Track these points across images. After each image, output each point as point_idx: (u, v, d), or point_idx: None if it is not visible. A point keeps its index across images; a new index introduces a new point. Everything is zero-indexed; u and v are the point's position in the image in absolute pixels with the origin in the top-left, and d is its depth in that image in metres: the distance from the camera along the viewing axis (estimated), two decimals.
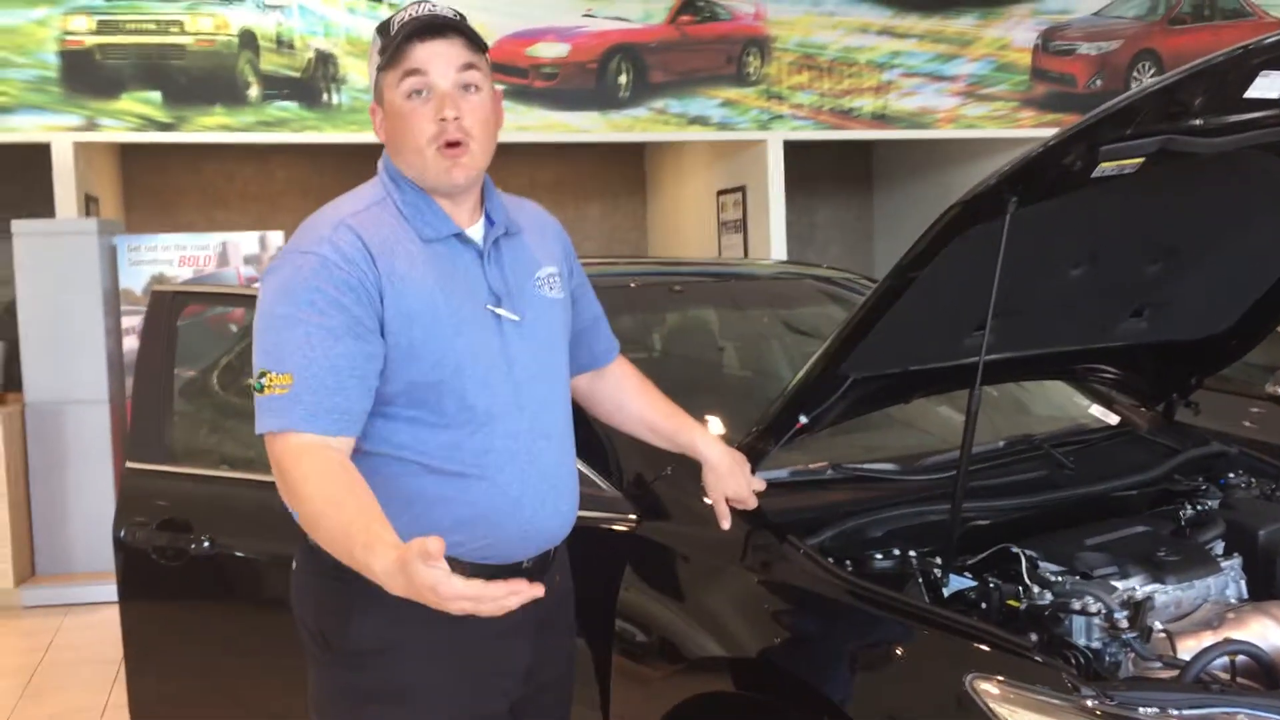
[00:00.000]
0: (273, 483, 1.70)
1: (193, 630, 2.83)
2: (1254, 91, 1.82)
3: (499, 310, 1.76)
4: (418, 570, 1.39)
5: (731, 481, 1.99)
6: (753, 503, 2.01)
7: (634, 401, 2.07)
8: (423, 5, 1.73)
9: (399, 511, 1.67)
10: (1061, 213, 1.97)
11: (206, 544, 2.68)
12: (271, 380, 1.63)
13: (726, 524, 1.99)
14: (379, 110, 1.75)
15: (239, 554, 2.69)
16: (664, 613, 2.14)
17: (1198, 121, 1.84)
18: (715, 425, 2.79)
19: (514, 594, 1.41)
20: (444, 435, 1.72)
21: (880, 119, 7.75)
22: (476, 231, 1.79)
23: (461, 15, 1.74)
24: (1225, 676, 1.82)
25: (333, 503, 1.56)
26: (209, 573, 2.72)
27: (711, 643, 2.05)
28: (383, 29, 1.73)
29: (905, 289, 1.92)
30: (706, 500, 2.02)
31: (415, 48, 1.68)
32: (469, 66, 1.71)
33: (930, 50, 7.75)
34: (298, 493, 1.60)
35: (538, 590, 1.43)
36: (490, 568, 1.75)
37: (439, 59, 1.69)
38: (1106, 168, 1.82)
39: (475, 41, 1.72)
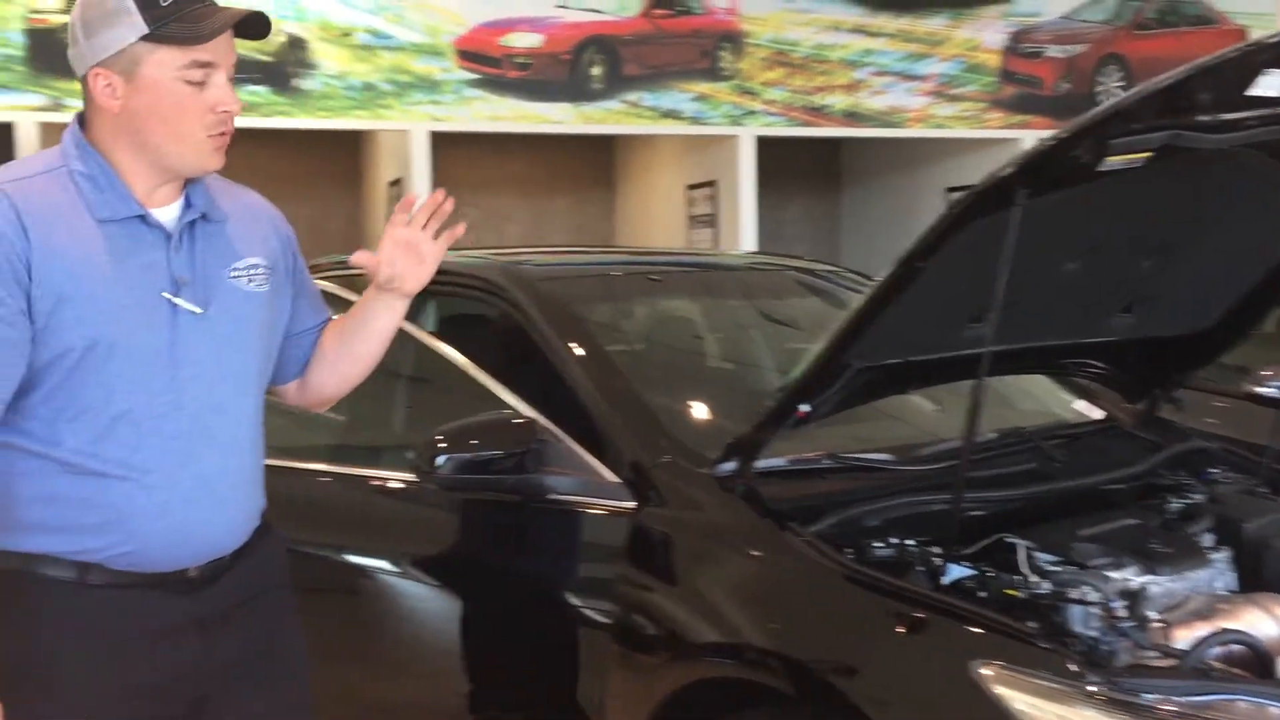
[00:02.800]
0: None
1: None
2: (1256, 90, 1.86)
3: (177, 300, 1.65)
4: None
5: (401, 257, 1.78)
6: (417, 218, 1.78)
7: (331, 357, 1.90)
8: None
9: (39, 510, 1.62)
10: (1064, 207, 1.99)
11: None
12: None
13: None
14: (116, 79, 1.61)
15: None
16: (662, 600, 2.14)
17: (1204, 118, 1.87)
18: (698, 409, 2.79)
19: None
20: (85, 431, 1.61)
21: (851, 117, 7.79)
22: (169, 213, 1.68)
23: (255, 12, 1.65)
24: (1219, 666, 1.85)
25: None
26: None
27: (710, 629, 2.06)
28: None
29: (912, 279, 1.93)
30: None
31: (212, 39, 1.60)
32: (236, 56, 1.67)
33: (901, 49, 7.80)
34: None
35: None
36: (143, 575, 1.66)
37: (227, 55, 1.64)
38: (1114, 161, 1.85)
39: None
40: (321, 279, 3.11)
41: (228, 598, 1.74)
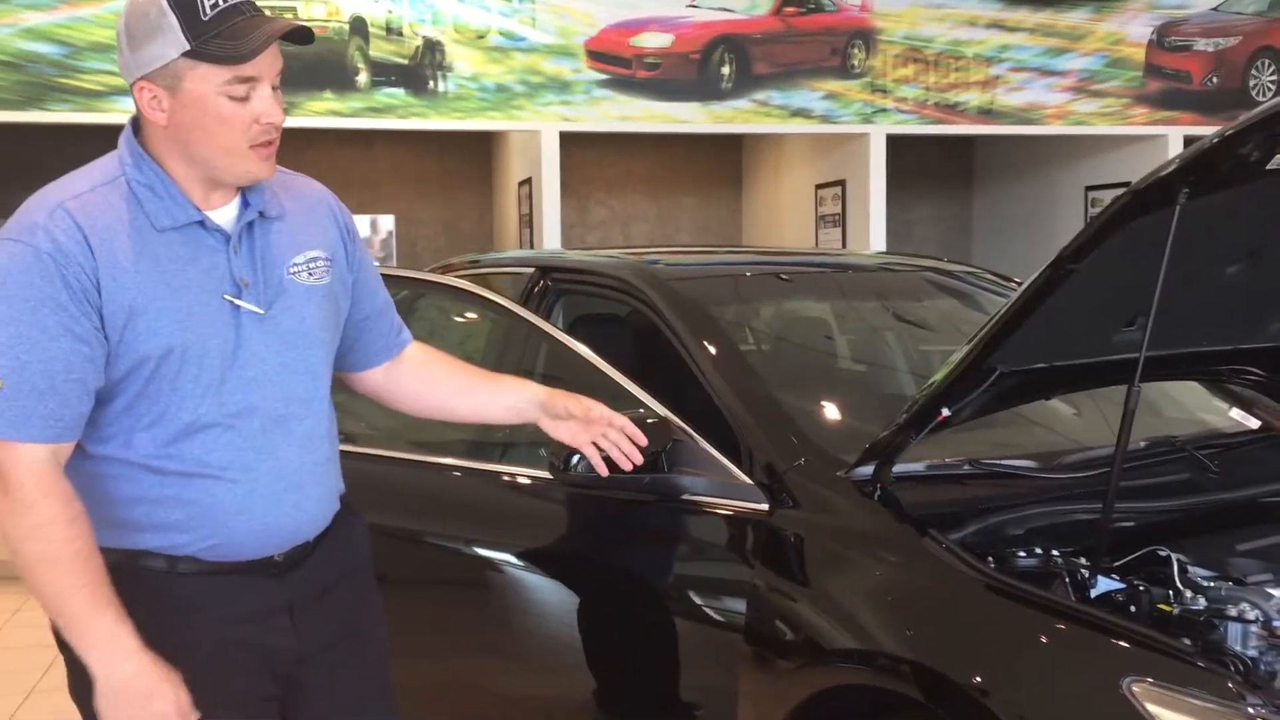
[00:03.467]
0: None
1: None
2: None
3: (239, 301, 1.67)
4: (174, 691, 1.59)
5: (566, 425, 2.01)
6: (618, 422, 2.03)
7: (437, 383, 2.02)
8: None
9: (130, 510, 1.66)
10: (1227, 207, 1.91)
11: None
12: None
13: (603, 472, 2.06)
14: (160, 93, 1.61)
15: None
16: (794, 603, 2.11)
17: None
18: (831, 411, 2.75)
19: None
20: (162, 435, 1.65)
21: (986, 114, 7.60)
22: (226, 214, 1.69)
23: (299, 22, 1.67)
24: None
25: (63, 564, 1.57)
26: None
27: (843, 634, 2.02)
28: (188, 9, 1.58)
29: (1063, 281, 1.87)
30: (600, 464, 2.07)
31: (254, 57, 1.59)
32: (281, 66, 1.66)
33: (1041, 44, 7.58)
34: (23, 530, 1.57)
35: None
36: (231, 564, 1.71)
37: (271, 66, 1.63)
38: None
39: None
40: (455, 277, 3.17)
41: (314, 581, 1.79)
